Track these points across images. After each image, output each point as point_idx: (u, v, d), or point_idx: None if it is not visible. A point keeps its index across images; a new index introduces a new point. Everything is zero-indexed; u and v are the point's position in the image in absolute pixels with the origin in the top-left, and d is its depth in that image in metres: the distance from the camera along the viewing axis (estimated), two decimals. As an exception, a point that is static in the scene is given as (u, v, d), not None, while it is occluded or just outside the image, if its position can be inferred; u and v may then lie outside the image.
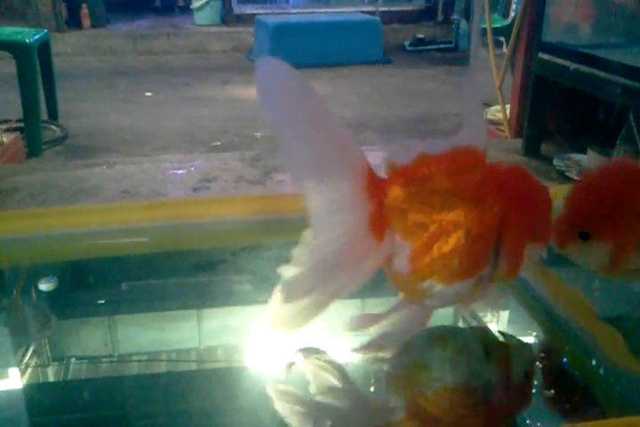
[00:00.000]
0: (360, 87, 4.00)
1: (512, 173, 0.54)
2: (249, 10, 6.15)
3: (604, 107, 2.46)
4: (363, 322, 0.53)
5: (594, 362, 0.49)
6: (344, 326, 0.54)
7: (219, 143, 2.73)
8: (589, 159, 2.20)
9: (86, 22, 5.88)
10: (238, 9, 6.17)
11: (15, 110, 2.62)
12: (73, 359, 0.55)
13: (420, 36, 5.55)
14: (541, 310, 0.58)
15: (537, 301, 0.58)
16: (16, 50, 2.57)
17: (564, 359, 0.54)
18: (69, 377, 0.52)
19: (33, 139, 2.52)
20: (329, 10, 6.13)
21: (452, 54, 5.15)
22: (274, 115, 0.48)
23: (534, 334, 0.59)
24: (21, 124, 2.56)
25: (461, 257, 0.48)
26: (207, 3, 6.07)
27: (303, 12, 6.00)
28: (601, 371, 0.49)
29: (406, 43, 5.49)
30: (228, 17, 6.08)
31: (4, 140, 2.22)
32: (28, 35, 2.71)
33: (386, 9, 6.09)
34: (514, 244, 0.51)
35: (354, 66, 4.59)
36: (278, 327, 0.52)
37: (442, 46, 5.35)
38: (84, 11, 5.86)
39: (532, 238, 0.53)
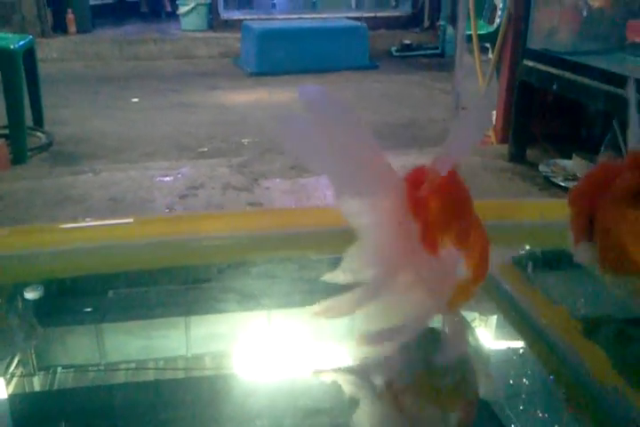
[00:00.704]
0: (347, 93, 4.01)
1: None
2: (236, 15, 6.16)
3: (588, 113, 2.49)
4: (375, 339, 0.53)
5: (578, 379, 0.50)
6: (359, 342, 0.54)
7: (206, 149, 2.72)
8: (574, 165, 2.22)
9: (72, 28, 5.85)
10: (225, 14, 6.17)
11: (-1, 117, 2.60)
12: (59, 368, 0.54)
13: (407, 41, 5.58)
14: (526, 325, 0.58)
15: (522, 317, 0.58)
16: (0, 56, 2.55)
17: (550, 377, 0.55)
18: (55, 386, 0.52)
19: (18, 146, 2.50)
20: (315, 15, 6.15)
21: (439, 60, 5.18)
22: (313, 141, 0.48)
23: (519, 350, 0.59)
24: (6, 131, 2.54)
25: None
26: (194, 8, 6.07)
27: (290, 18, 6.02)
28: (586, 388, 0.49)
29: (393, 48, 5.52)
30: (214, 22, 6.08)
31: (-11, 147, 2.20)
32: (13, 40, 2.69)
33: (372, 15, 6.12)
34: None
35: (340, 71, 4.61)
36: (326, 313, 0.52)
37: (428, 52, 5.38)
38: (70, 16, 5.83)
39: None
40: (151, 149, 2.78)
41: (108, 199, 1.72)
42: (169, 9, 7.11)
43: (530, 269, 0.71)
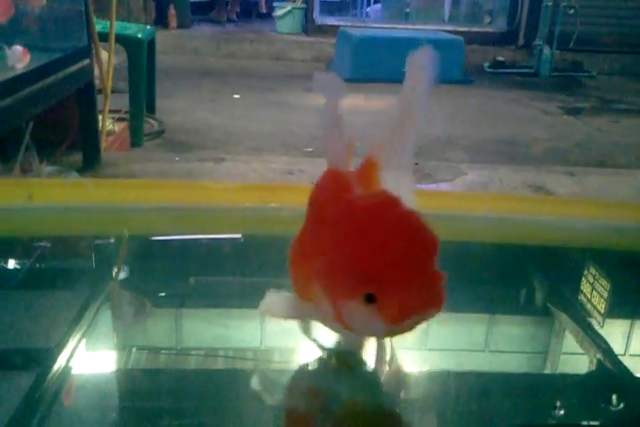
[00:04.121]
0: (442, 106, 3.99)
1: None
2: (330, 21, 6.24)
3: None
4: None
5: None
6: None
7: (311, 149, 2.76)
8: None
9: (172, 23, 6.06)
10: (320, 19, 6.26)
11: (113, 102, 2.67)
12: (134, 349, 0.55)
13: (501, 58, 5.51)
14: None
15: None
16: (129, 44, 2.66)
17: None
18: (130, 366, 0.53)
19: (136, 130, 2.60)
20: (408, 26, 6.16)
21: (533, 79, 5.10)
22: None
23: None
24: (126, 116, 2.64)
25: None
26: (289, 11, 6.18)
27: (383, 27, 6.05)
28: None
29: (486, 64, 5.47)
30: (308, 27, 6.17)
31: (115, 128, 2.30)
32: (139, 30, 2.81)
33: (466, 29, 6.08)
34: None
35: (435, 84, 4.58)
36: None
37: (522, 71, 5.31)
38: (172, 11, 6.04)
39: None
40: (257, 144, 2.84)
41: (238, 188, 1.77)
42: (264, 10, 7.25)
43: None
